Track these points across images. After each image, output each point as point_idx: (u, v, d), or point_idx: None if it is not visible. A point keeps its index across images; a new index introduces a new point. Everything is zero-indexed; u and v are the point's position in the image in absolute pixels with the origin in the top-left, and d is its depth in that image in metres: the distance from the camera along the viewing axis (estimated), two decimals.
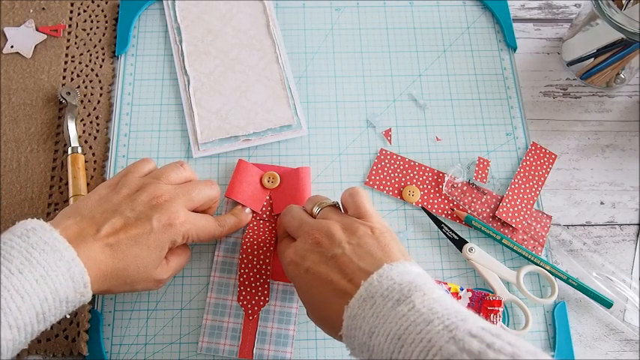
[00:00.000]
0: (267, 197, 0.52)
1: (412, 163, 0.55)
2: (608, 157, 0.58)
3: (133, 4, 0.61)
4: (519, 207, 0.53)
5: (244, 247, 0.50)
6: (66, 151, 0.53)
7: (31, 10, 0.61)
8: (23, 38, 0.59)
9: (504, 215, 0.52)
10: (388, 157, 0.56)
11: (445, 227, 0.52)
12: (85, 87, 0.57)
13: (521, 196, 0.54)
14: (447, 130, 0.57)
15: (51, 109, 0.56)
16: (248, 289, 0.49)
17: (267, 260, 0.49)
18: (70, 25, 0.60)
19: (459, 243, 0.51)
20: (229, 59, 0.59)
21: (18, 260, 0.34)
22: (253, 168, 0.53)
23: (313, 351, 0.48)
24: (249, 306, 0.48)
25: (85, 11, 0.61)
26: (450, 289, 0.49)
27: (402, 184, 0.54)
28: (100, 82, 0.58)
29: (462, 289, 0.49)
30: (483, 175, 0.54)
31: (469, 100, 0.59)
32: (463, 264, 0.52)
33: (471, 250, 0.50)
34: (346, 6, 0.63)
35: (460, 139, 0.57)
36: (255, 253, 0.50)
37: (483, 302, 0.48)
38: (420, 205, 0.53)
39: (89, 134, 0.55)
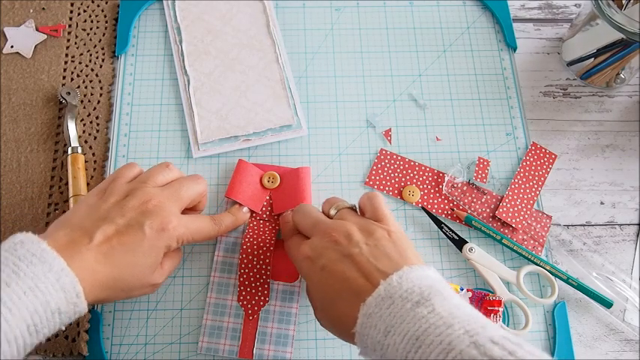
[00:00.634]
0: (267, 197, 0.52)
1: (412, 163, 0.55)
2: (608, 157, 0.58)
3: (133, 4, 0.61)
4: (519, 207, 0.53)
5: (244, 247, 0.50)
6: (66, 151, 0.53)
7: (31, 10, 0.61)
8: (23, 38, 0.59)
9: (504, 215, 0.52)
10: (388, 157, 0.56)
11: (445, 227, 0.52)
12: (85, 87, 0.57)
13: (521, 196, 0.54)
14: (447, 130, 0.57)
15: (51, 109, 0.56)
16: (248, 289, 0.49)
17: (267, 260, 0.49)
18: (70, 25, 0.60)
19: (459, 243, 0.51)
20: (229, 59, 0.59)
21: (5, 273, 0.34)
22: (253, 168, 0.53)
23: (313, 351, 0.48)
24: (249, 306, 0.48)
25: (85, 11, 0.61)
26: None
27: (402, 184, 0.54)
28: (100, 82, 0.58)
29: (462, 289, 0.49)
30: (483, 175, 0.54)
31: (469, 100, 0.59)
32: (463, 264, 0.52)
33: (471, 250, 0.50)
34: (346, 6, 0.63)
35: (460, 139, 0.57)
36: (255, 253, 0.50)
37: (483, 302, 0.48)
38: (420, 205, 0.53)
39: (89, 134, 0.55)
